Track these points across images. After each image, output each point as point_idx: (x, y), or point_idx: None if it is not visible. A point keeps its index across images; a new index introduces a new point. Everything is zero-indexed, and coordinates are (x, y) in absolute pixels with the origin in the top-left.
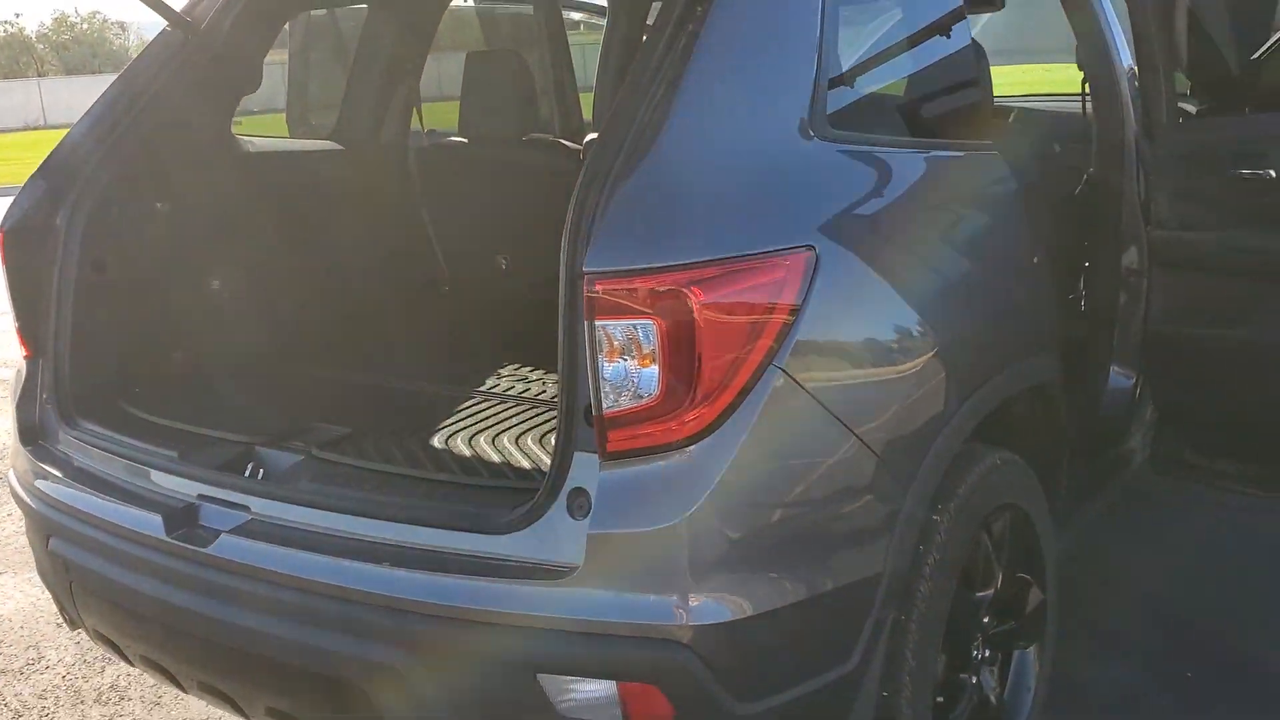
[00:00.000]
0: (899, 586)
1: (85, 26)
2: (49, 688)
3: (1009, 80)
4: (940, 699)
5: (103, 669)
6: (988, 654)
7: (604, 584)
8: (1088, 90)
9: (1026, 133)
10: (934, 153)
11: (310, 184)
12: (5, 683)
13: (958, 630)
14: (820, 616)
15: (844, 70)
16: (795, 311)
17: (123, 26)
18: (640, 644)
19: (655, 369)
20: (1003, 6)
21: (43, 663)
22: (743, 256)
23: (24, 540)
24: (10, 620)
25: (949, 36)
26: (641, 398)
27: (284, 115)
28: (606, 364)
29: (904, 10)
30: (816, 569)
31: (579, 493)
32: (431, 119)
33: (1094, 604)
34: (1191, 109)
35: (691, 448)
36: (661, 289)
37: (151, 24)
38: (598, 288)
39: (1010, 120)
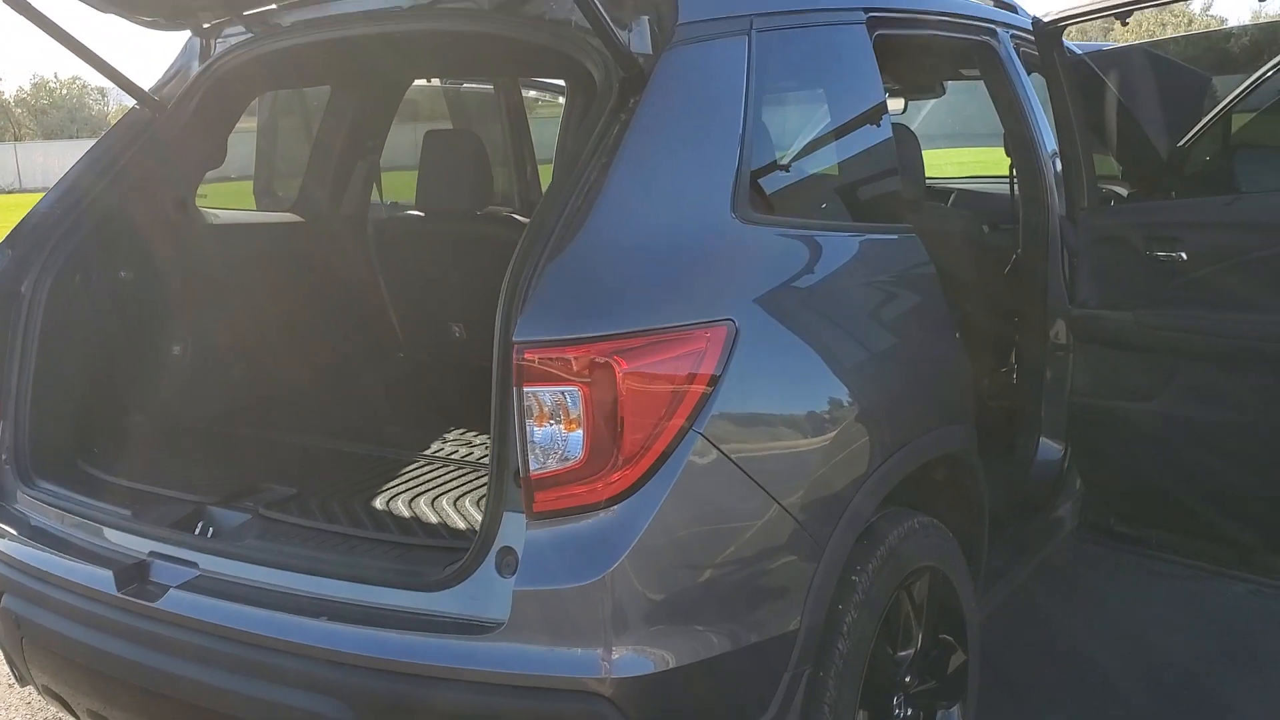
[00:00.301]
0: (814, 642)
1: (64, 92)
2: None
3: (962, 161)
4: None
5: None
6: (909, 713)
7: (528, 638)
8: (1015, 176)
9: (954, 215)
10: (851, 235)
11: (270, 255)
12: None
13: (877, 687)
14: (737, 670)
15: (767, 159)
16: (714, 380)
17: (102, 93)
18: (562, 696)
19: (581, 433)
20: (944, 93)
21: None
22: (664, 329)
23: None
24: None
25: (869, 128)
26: (568, 460)
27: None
28: (536, 428)
29: (827, 104)
30: (734, 624)
31: (507, 551)
32: (405, 187)
33: (1020, 666)
34: (1124, 192)
35: (615, 507)
36: (586, 358)
37: None
38: (527, 356)
39: (948, 202)
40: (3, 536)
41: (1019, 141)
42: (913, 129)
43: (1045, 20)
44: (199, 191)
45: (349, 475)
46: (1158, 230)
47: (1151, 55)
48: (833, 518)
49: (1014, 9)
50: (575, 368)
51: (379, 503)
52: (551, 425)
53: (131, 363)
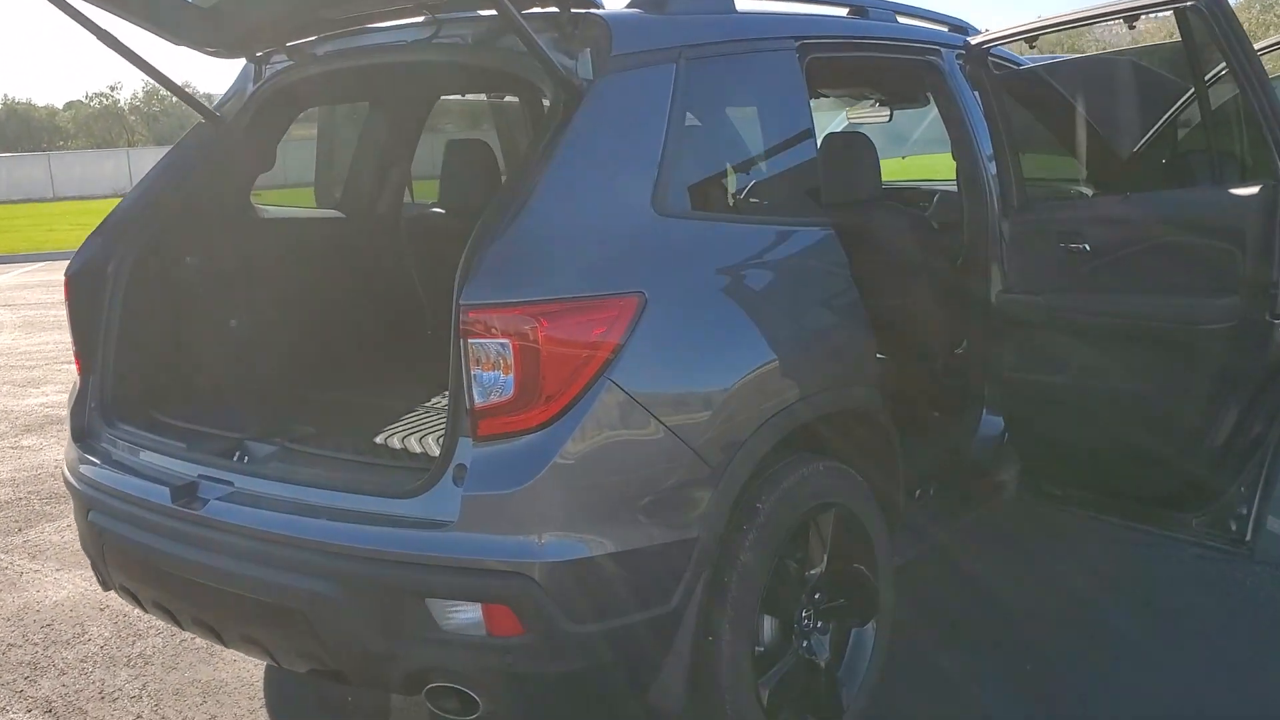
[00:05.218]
0: (712, 550)
1: (175, 99)
2: (89, 655)
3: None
4: (761, 650)
5: (133, 642)
6: (819, 625)
7: (473, 531)
8: (960, 180)
9: (902, 213)
10: (761, 228)
11: (314, 245)
12: (55, 651)
13: (781, 598)
14: (642, 565)
15: (690, 163)
16: (626, 337)
17: (210, 99)
18: (498, 576)
19: (512, 376)
20: (928, 104)
21: (85, 636)
22: (581, 298)
23: (79, 546)
24: (62, 605)
25: (789, 138)
26: (503, 396)
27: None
28: (481, 372)
29: (751, 118)
30: (639, 528)
31: (460, 468)
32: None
33: (950, 601)
34: (1089, 192)
35: (539, 433)
36: (514, 318)
37: None
38: (470, 315)
39: (933, 203)
40: (91, 465)
41: (962, 149)
42: (915, 135)
43: (973, 43)
44: (254, 190)
45: (359, 419)
46: (1068, 225)
47: (1124, 63)
48: (729, 453)
49: (965, 31)
50: (505, 326)
51: (377, 439)
52: (491, 370)
53: (194, 332)
